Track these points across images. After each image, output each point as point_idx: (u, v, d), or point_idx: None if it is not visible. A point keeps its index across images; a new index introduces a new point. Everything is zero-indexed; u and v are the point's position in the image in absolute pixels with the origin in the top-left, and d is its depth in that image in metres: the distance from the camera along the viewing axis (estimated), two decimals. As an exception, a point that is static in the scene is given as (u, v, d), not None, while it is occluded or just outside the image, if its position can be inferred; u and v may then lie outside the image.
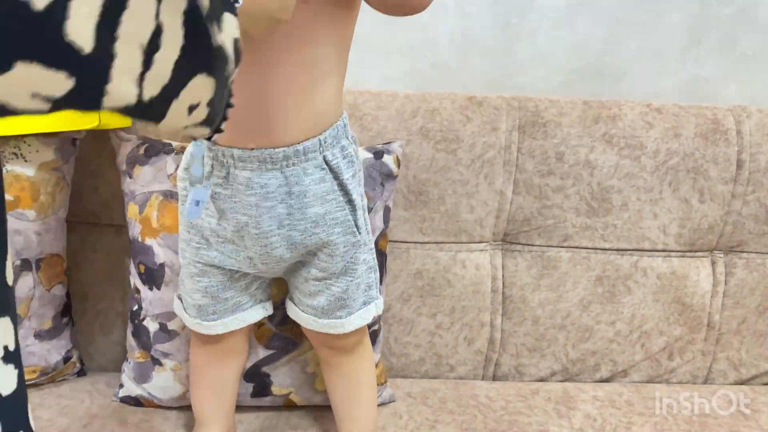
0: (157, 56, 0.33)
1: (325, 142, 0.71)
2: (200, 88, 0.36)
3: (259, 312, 0.85)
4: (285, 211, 0.72)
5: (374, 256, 0.80)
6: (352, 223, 0.75)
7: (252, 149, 0.70)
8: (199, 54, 0.35)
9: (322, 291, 0.78)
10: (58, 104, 0.30)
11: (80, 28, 0.28)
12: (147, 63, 0.32)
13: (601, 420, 1.01)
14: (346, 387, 0.87)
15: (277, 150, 0.69)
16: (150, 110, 0.35)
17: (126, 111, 0.33)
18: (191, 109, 0.36)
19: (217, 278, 0.79)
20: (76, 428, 0.92)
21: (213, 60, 0.36)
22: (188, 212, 0.71)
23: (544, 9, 1.12)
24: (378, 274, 0.81)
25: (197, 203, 0.72)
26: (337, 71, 0.72)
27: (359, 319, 0.80)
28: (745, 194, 1.08)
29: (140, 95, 0.33)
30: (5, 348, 0.38)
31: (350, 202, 0.74)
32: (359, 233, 0.76)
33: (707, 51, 1.16)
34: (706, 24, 1.14)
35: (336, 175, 0.72)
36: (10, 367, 0.38)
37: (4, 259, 0.38)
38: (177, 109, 0.36)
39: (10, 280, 0.39)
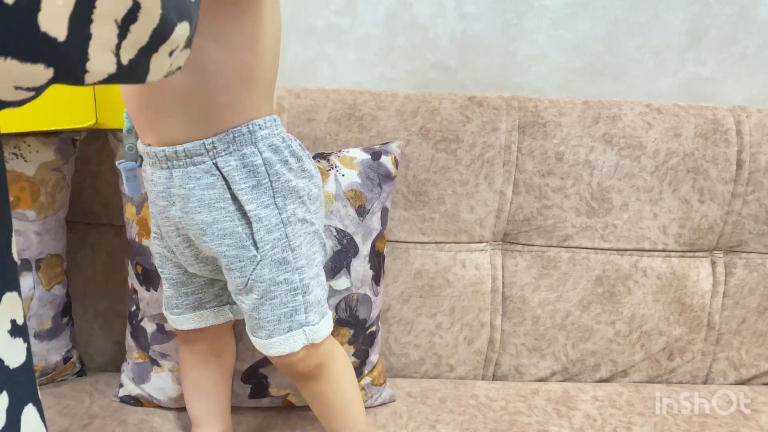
0: (134, 27, 0.32)
1: (213, 147, 0.67)
2: (180, 35, 0.36)
3: (225, 314, 0.83)
4: (178, 214, 0.70)
5: (302, 277, 0.72)
6: (245, 236, 0.70)
7: (149, 145, 0.70)
8: (181, 9, 0.35)
9: (240, 305, 0.74)
10: (42, 90, 0.30)
11: (54, 18, 0.28)
12: (123, 35, 0.32)
13: (601, 420, 1.01)
14: (319, 407, 0.82)
15: (160, 149, 0.68)
16: (133, 73, 0.35)
17: (110, 80, 0.33)
18: (171, 53, 0.37)
19: (173, 270, 0.79)
20: (76, 428, 0.92)
21: (191, 10, 0.36)
22: (127, 190, 0.76)
23: (544, 9, 1.12)
24: (313, 296, 0.74)
25: (127, 177, 0.75)
26: (239, 76, 0.66)
27: (281, 345, 0.72)
28: (745, 194, 1.08)
29: (119, 62, 0.33)
30: (13, 322, 0.38)
31: (244, 215, 0.69)
32: (256, 249, 0.70)
33: (707, 51, 1.16)
34: (706, 24, 1.14)
35: (229, 184, 0.68)
36: (19, 340, 0.39)
37: (10, 235, 0.39)
38: (158, 60, 0.36)
39: (16, 257, 0.39)
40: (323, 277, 0.77)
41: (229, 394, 0.89)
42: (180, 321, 0.82)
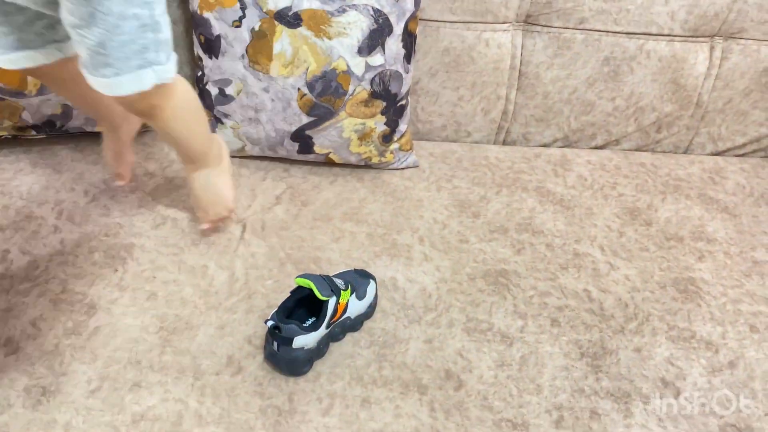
0: None
1: None
2: None
3: (53, 53, 0.81)
4: None
5: (152, 12, 0.69)
6: None
7: None
8: None
9: (79, 42, 0.69)
10: None
11: None
12: None
13: (591, 180, 1.19)
14: (165, 138, 0.92)
15: None
16: None
17: None
18: None
19: None
20: (159, 171, 1.11)
21: None
22: None
23: None
24: (163, 35, 0.72)
25: None
26: None
27: (131, 84, 0.72)
28: (754, -18, 1.13)
29: None
30: None
31: None
32: None
33: None
34: None
35: None
36: None
37: None
38: None
39: None
40: (167, 16, 0.74)
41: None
42: (1, 61, 0.80)
